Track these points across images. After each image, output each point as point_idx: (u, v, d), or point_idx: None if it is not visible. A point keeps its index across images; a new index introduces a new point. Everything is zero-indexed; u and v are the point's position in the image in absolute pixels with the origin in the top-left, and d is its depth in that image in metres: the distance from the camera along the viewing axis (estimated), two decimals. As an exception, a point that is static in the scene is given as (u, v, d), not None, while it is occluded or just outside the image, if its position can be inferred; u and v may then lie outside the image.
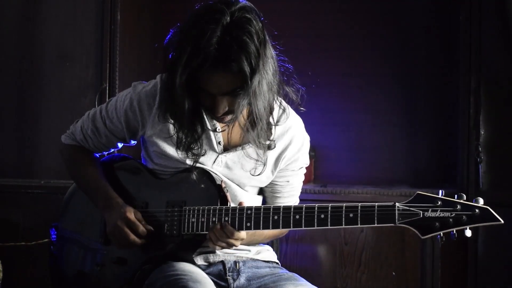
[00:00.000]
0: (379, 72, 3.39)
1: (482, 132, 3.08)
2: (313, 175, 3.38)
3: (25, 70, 3.22)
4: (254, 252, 2.14)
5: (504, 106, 3.09)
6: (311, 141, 2.19)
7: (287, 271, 2.11)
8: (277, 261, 2.22)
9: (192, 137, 1.97)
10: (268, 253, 2.20)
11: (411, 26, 3.38)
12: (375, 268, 3.02)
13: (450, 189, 3.12)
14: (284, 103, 2.05)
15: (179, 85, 1.85)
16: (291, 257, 3.04)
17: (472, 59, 3.07)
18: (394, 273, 3.00)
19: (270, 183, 2.13)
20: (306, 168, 2.19)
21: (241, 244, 1.98)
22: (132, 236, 1.97)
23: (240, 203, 1.93)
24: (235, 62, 1.79)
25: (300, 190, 2.22)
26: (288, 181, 2.15)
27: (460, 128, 3.10)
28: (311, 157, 3.26)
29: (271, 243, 2.27)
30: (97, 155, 2.24)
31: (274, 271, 2.10)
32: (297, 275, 2.07)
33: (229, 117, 1.93)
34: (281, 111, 2.05)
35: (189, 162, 2.03)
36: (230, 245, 1.93)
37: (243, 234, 1.91)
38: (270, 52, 1.89)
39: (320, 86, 2.78)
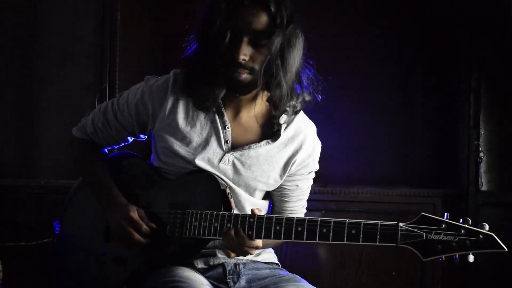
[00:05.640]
0: (379, 72, 3.39)
1: (482, 132, 3.08)
2: (313, 175, 3.37)
3: (25, 70, 3.21)
4: (254, 253, 2.14)
5: (504, 106, 3.09)
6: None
7: (288, 272, 2.11)
8: (278, 262, 2.22)
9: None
10: (269, 255, 2.20)
11: (411, 26, 3.37)
12: (375, 268, 3.02)
13: (450, 189, 3.13)
14: (298, 106, 2.09)
15: (223, 19, 1.90)
16: (291, 257, 3.04)
17: (472, 59, 3.07)
18: (394, 273, 3.00)
19: (279, 187, 2.14)
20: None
21: None
22: (136, 236, 1.98)
23: (252, 211, 1.90)
24: (275, 4, 1.91)
25: (309, 194, 2.22)
26: (297, 185, 2.15)
27: (460, 128, 3.10)
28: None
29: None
30: (106, 150, 2.26)
31: (275, 273, 2.10)
32: (298, 276, 2.08)
33: (245, 75, 1.94)
34: (293, 113, 2.08)
35: (198, 162, 2.03)
36: (244, 253, 1.90)
37: (258, 242, 1.89)
38: None
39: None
